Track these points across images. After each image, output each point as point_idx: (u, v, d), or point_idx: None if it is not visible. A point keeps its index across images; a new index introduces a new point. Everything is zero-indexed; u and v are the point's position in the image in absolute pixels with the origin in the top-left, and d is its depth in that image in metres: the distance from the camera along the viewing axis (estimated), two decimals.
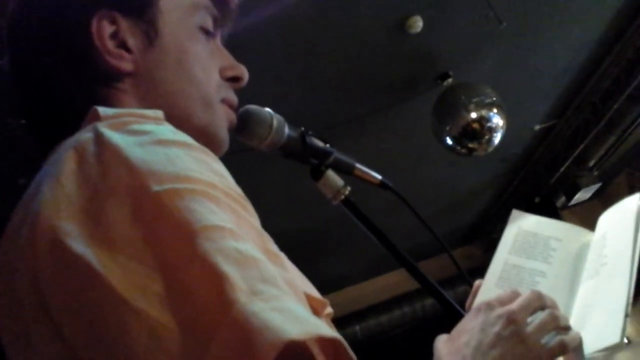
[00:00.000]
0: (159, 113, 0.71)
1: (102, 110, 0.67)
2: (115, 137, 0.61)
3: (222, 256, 0.52)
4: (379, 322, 5.87)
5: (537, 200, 5.41)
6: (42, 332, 0.57)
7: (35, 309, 0.58)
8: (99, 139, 0.61)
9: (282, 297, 0.53)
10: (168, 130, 0.65)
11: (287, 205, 4.18)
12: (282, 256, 0.67)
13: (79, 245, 0.55)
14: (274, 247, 0.63)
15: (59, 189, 0.59)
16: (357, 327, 5.77)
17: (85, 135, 0.63)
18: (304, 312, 0.53)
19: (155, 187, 0.56)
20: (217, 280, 0.51)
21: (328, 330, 0.52)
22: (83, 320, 0.54)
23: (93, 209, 0.57)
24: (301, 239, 4.49)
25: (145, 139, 0.62)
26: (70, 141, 0.65)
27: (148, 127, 0.65)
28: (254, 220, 0.63)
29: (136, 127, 0.64)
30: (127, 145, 0.60)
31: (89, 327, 0.54)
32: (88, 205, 0.57)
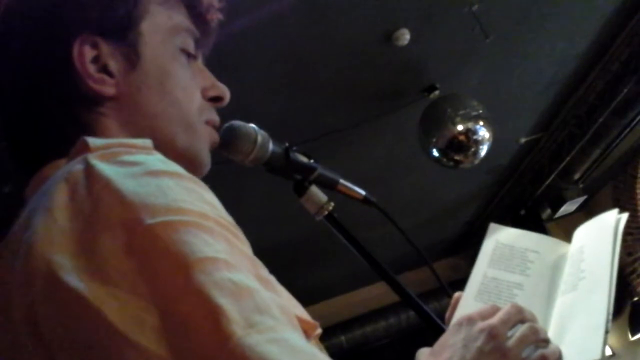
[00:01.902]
0: (148, 142, 0.70)
1: (91, 141, 0.67)
2: (106, 169, 0.61)
3: (217, 289, 0.52)
4: (364, 332, 5.87)
5: (522, 212, 5.44)
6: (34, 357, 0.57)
7: (29, 337, 0.57)
8: (90, 171, 0.61)
9: (278, 327, 0.53)
10: (158, 161, 0.65)
11: (271, 216, 4.17)
12: (272, 279, 0.67)
13: (74, 279, 0.54)
14: (265, 272, 0.64)
15: (52, 222, 0.59)
16: (343, 338, 5.78)
17: (76, 167, 0.63)
18: (300, 341, 0.53)
19: (148, 220, 0.56)
20: (213, 314, 0.51)
21: (323, 359, 0.53)
22: (80, 353, 0.54)
23: (86, 242, 0.57)
24: (286, 249, 4.49)
25: (136, 170, 0.61)
26: (61, 173, 0.64)
27: (138, 157, 0.64)
28: (246, 248, 0.63)
29: (127, 158, 0.64)
30: (118, 177, 0.60)
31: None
32: (81, 238, 0.57)
